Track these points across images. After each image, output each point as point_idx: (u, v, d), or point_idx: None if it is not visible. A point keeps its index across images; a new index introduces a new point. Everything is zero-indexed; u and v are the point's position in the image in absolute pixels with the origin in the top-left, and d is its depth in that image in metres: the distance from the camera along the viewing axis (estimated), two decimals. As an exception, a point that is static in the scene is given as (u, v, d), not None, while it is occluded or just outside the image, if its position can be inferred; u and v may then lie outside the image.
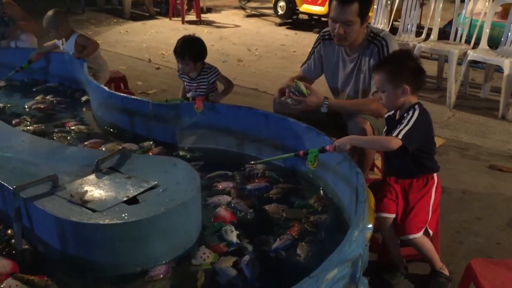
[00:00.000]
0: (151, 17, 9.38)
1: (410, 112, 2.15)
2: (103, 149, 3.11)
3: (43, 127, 3.49)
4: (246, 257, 2.12)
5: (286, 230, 2.33)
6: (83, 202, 2.10)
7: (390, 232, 2.26)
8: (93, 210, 2.05)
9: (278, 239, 2.26)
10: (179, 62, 3.13)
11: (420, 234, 2.22)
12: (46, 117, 3.74)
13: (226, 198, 2.59)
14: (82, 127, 3.54)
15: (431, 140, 2.24)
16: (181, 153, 3.12)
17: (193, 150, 3.16)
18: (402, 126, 2.11)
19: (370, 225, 1.91)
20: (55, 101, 4.00)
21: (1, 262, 2.01)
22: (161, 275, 2.01)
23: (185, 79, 3.26)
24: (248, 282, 2.01)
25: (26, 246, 2.15)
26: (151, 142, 3.23)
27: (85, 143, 3.22)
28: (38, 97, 4.06)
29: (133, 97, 3.53)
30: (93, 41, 4.22)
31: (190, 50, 3.08)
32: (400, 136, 2.08)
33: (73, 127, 3.52)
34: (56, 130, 3.46)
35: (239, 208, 2.51)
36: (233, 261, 2.10)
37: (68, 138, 3.34)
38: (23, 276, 1.95)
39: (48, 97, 4.06)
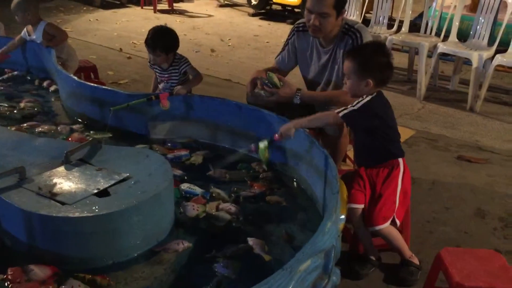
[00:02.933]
0: (122, 5, 9.19)
1: (364, 97, 2.20)
2: (40, 129, 3.18)
3: None
4: (226, 204, 2.40)
5: (236, 186, 2.61)
6: (52, 195, 2.04)
7: (359, 223, 2.29)
8: (63, 203, 2.00)
9: (248, 190, 2.57)
10: (150, 53, 3.08)
11: (386, 225, 2.26)
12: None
13: None
14: (30, 104, 3.59)
15: (389, 125, 2.26)
16: (95, 136, 3.10)
17: (106, 131, 3.15)
18: (349, 106, 2.20)
19: (343, 216, 1.92)
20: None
21: (37, 269, 1.92)
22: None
23: (157, 70, 3.22)
24: (241, 221, 2.32)
25: (-7, 240, 2.10)
26: (81, 126, 3.30)
27: (23, 124, 3.24)
28: None
29: (102, 87, 3.46)
30: (62, 30, 4.16)
31: (162, 41, 3.03)
32: (340, 114, 2.18)
33: (21, 104, 3.57)
34: (6, 105, 3.56)
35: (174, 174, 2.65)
36: (217, 205, 2.39)
37: (9, 113, 3.45)
38: (84, 276, 1.90)
39: None
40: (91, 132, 3.17)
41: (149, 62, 3.23)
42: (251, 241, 2.14)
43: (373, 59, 2.21)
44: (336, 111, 2.21)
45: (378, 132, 2.22)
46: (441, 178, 3.34)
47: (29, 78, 4.25)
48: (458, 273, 1.88)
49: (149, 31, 3.07)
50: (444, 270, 1.95)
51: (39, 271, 1.91)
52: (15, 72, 4.31)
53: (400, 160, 2.27)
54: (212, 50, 6.40)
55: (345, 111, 2.18)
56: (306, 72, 2.92)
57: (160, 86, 3.24)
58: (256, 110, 2.84)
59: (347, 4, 5.50)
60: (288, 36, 2.95)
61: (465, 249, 2.28)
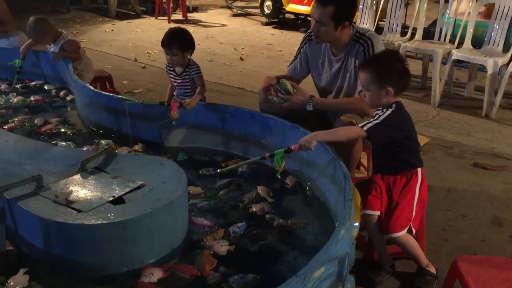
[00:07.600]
0: (137, 16, 9.31)
1: (385, 110, 2.18)
2: (6, 127, 3.40)
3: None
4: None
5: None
6: (68, 203, 2.07)
7: (374, 230, 2.27)
8: (78, 211, 2.03)
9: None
10: (167, 52, 3.08)
11: (403, 233, 2.23)
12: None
13: None
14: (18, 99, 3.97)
15: (409, 137, 2.24)
16: (62, 130, 3.44)
17: (74, 128, 3.50)
18: (371, 120, 2.17)
19: (357, 223, 1.92)
20: None
21: (154, 272, 2.02)
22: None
23: (172, 75, 3.24)
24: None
25: (10, 247, 2.13)
26: (57, 119, 3.63)
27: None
28: None
29: (118, 96, 3.50)
30: (77, 52, 4.09)
31: (178, 39, 3.07)
32: (365, 128, 2.15)
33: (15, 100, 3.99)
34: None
35: None
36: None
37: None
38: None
39: None
40: (66, 126, 3.50)
41: (166, 67, 3.25)
42: (259, 188, 2.63)
43: (390, 66, 2.18)
44: (360, 125, 2.18)
45: (399, 144, 2.20)
46: (457, 185, 3.31)
47: (46, 88, 4.32)
48: (474, 281, 1.85)
49: (165, 33, 3.11)
50: (460, 278, 1.93)
51: (155, 273, 2.00)
52: (33, 82, 4.39)
53: (419, 170, 2.25)
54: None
55: (369, 125, 2.15)
56: (318, 80, 2.93)
57: (175, 93, 3.27)
58: (269, 118, 2.85)
59: (360, 13, 5.57)
60: (300, 44, 2.97)
61: (481, 256, 2.25)
